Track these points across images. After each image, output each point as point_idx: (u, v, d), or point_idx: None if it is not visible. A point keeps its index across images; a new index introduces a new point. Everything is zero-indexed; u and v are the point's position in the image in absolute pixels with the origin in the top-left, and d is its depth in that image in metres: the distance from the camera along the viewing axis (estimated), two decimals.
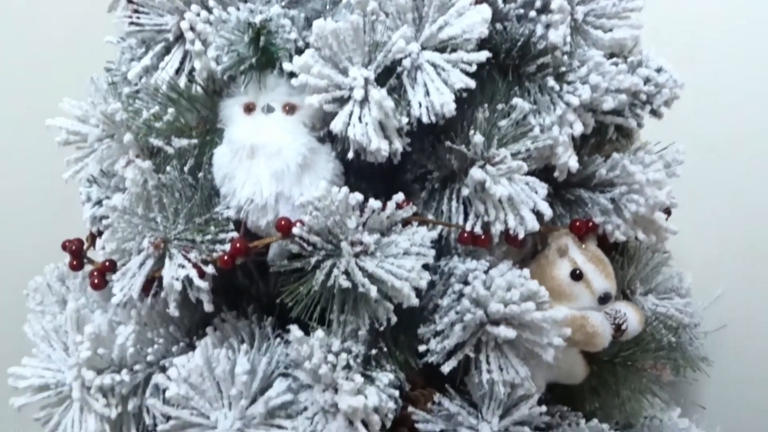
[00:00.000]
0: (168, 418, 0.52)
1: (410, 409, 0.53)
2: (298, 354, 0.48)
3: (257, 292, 0.64)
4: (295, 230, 0.48)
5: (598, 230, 0.56)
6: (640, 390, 0.64)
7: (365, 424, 0.48)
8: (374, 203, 0.48)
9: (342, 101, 0.49)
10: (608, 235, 0.57)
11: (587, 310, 0.54)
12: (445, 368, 0.50)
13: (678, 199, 0.62)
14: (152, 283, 0.53)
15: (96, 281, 0.54)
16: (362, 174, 0.56)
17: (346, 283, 0.46)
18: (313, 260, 0.48)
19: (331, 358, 0.47)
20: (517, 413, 0.51)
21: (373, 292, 0.46)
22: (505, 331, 0.47)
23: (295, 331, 0.48)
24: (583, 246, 0.56)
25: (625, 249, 0.70)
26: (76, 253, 0.59)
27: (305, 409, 0.51)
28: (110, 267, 0.55)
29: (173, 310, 0.53)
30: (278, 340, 0.56)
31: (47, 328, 0.55)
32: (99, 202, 0.59)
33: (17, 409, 0.55)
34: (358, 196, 0.48)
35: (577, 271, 0.54)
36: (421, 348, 0.50)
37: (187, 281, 0.50)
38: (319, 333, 0.47)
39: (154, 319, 0.59)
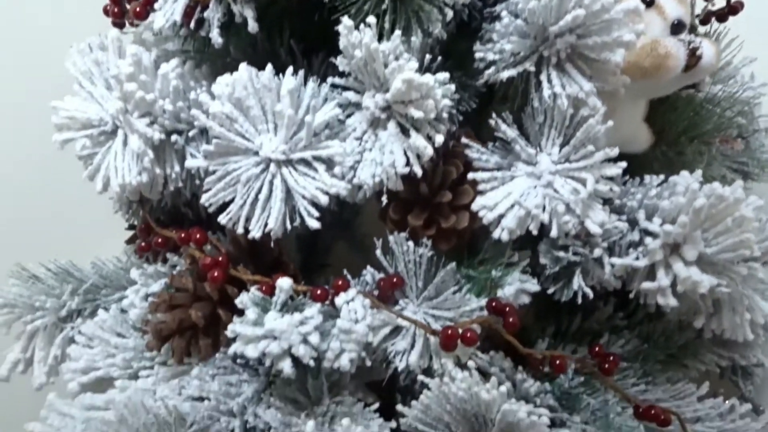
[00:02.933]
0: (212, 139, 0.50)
1: (464, 140, 0.50)
2: (347, 43, 0.45)
3: None
4: None
5: None
6: (708, 166, 0.60)
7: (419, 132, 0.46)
8: None
9: None
10: None
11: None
12: (504, 75, 0.46)
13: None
14: (195, 8, 0.51)
15: (138, 10, 0.52)
16: None
17: None
18: None
19: (383, 47, 0.44)
20: (580, 132, 0.48)
21: None
22: (575, 14, 0.43)
23: (345, 21, 0.45)
24: None
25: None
26: (118, 1, 0.57)
27: (354, 130, 0.49)
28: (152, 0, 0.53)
29: (216, 37, 0.51)
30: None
31: (89, 62, 0.54)
32: None
33: (60, 146, 0.54)
34: None
35: None
36: (478, 55, 0.47)
37: None
38: (371, 19, 0.44)
39: (197, 77, 0.57)
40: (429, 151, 0.45)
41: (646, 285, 0.48)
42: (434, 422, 0.44)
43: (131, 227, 0.69)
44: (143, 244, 0.57)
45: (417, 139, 0.45)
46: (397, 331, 0.49)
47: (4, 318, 0.63)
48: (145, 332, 0.58)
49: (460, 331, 0.45)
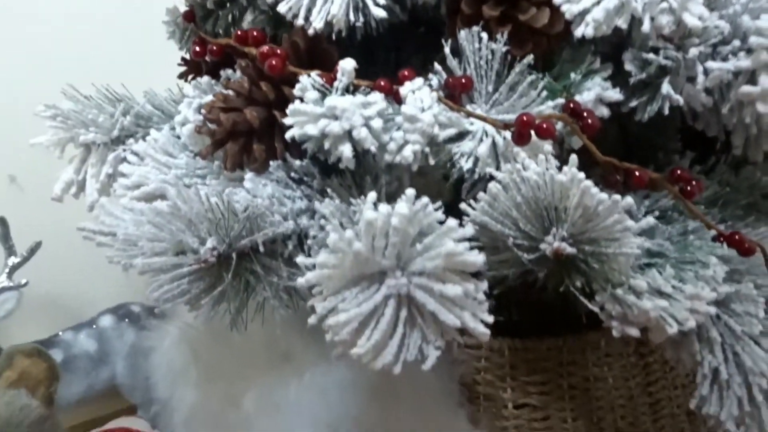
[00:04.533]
0: None
1: None
2: None
3: None
4: None
5: None
6: None
7: None
8: None
9: None
10: None
11: None
12: None
13: None
14: None
15: None
16: None
17: None
18: None
19: None
20: None
21: None
22: None
23: None
24: None
25: None
26: None
27: None
28: None
29: None
30: None
31: None
32: None
33: None
34: None
35: None
36: None
37: None
38: None
39: None
40: None
41: (746, 89, 0.44)
42: (501, 217, 0.41)
43: (183, 61, 0.67)
44: (198, 49, 0.55)
45: None
46: (463, 135, 0.46)
47: (57, 137, 0.62)
48: (196, 154, 0.57)
49: (537, 121, 0.41)
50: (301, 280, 0.38)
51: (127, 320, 0.86)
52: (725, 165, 0.58)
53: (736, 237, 0.46)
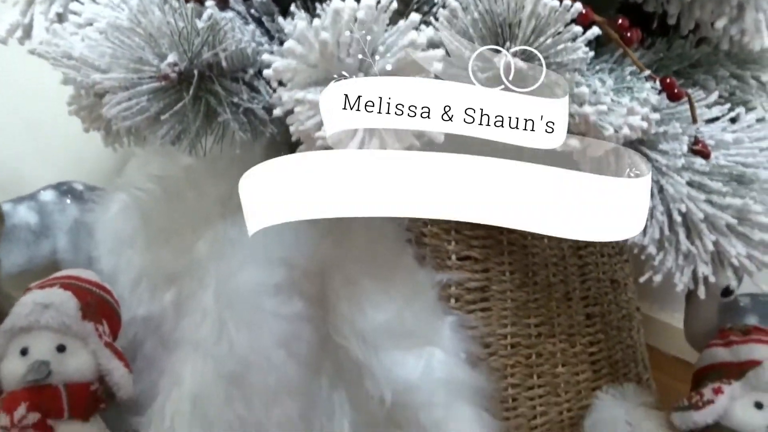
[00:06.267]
0: None
1: None
2: None
3: None
4: None
5: None
6: None
7: None
8: None
9: None
10: None
11: None
12: None
13: None
14: None
15: None
16: None
17: None
18: None
19: None
20: None
21: None
22: None
23: None
24: None
25: None
26: None
27: None
28: None
29: None
30: None
31: None
32: None
33: None
34: None
35: None
36: None
37: None
38: None
39: None
40: None
41: None
42: (459, 35, 0.44)
43: None
44: None
45: None
46: None
47: None
48: None
49: None
50: (268, 71, 0.39)
51: (69, 196, 0.84)
52: (660, 43, 0.62)
53: (668, 81, 0.51)
